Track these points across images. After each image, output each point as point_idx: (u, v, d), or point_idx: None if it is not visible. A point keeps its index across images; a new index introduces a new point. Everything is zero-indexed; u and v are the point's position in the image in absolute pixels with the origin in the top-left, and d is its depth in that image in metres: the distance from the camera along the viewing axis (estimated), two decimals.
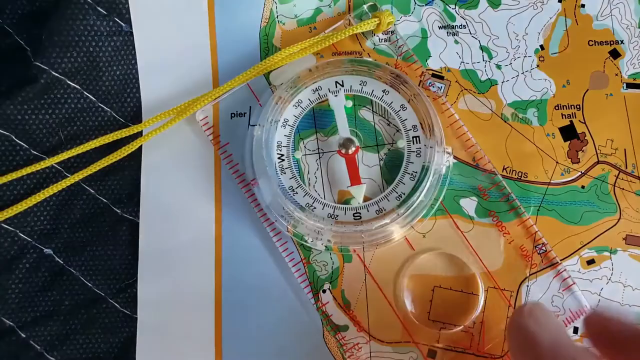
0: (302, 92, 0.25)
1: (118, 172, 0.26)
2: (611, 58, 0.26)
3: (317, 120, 0.25)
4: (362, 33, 0.25)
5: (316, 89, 0.25)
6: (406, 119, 0.24)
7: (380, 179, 0.25)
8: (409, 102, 0.24)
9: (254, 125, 0.25)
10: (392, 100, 0.25)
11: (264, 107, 0.25)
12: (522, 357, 0.19)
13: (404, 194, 0.24)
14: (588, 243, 0.25)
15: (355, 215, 0.24)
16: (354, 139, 0.24)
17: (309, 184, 0.25)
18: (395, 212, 0.23)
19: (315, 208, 0.24)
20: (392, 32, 0.26)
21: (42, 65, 0.24)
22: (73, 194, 0.25)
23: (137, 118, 0.26)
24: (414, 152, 0.24)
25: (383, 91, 0.25)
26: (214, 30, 0.26)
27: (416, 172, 0.24)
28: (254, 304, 0.25)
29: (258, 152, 0.24)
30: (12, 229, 0.25)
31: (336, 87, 0.25)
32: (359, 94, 0.25)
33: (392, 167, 0.25)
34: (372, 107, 0.25)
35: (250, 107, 0.26)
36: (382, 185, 0.25)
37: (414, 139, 0.24)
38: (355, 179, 0.24)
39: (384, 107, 0.25)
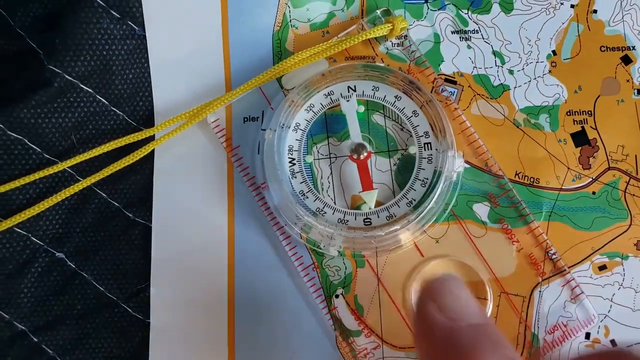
0: (314, 97, 0.25)
1: (130, 175, 0.26)
2: (623, 64, 0.26)
3: (330, 124, 0.25)
4: (375, 38, 0.25)
5: (328, 94, 0.25)
6: (418, 125, 0.24)
7: (393, 184, 0.25)
8: (421, 108, 0.24)
9: (265, 129, 0.25)
10: (405, 106, 0.25)
11: (276, 111, 0.25)
12: (419, 344, 0.16)
13: (414, 200, 0.24)
14: (599, 249, 0.25)
15: (365, 220, 0.24)
16: (366, 144, 0.24)
17: (322, 188, 0.25)
18: (406, 218, 0.23)
19: (325, 213, 0.24)
20: (405, 37, 0.26)
21: (55, 69, 0.24)
22: (85, 197, 0.25)
23: (149, 121, 0.26)
24: (425, 158, 0.24)
25: (395, 97, 0.25)
26: (227, 34, 0.26)
27: (427, 179, 0.24)
28: (266, 308, 0.25)
29: (269, 156, 0.24)
30: (24, 232, 0.25)
31: (348, 92, 0.25)
32: (372, 99, 0.25)
33: (404, 172, 0.25)
34: (385, 112, 0.25)
35: (262, 111, 0.26)
36: (394, 191, 0.25)
37: (426, 145, 0.24)
38: (367, 185, 0.24)
39: (396, 113, 0.25)
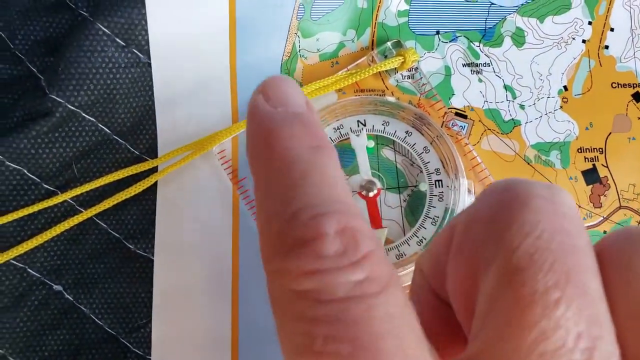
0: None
1: (132, 206, 0.25)
2: (634, 101, 0.26)
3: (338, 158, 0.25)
4: (385, 70, 0.25)
5: (338, 127, 0.24)
6: (429, 162, 0.24)
7: (402, 221, 0.24)
8: (431, 143, 0.24)
9: None
10: (415, 142, 0.24)
11: None
12: (251, 163, 0.13)
13: (425, 238, 0.23)
14: None
15: None
16: (376, 181, 0.24)
17: None
18: (416, 257, 0.23)
19: None
20: (416, 69, 0.25)
21: (57, 99, 0.23)
22: (85, 228, 0.25)
23: (152, 151, 0.25)
24: (436, 196, 0.24)
25: (406, 132, 0.24)
26: (234, 63, 0.25)
27: (438, 217, 0.24)
28: (271, 345, 0.24)
29: None
30: (22, 265, 0.24)
31: (358, 126, 0.24)
32: (382, 134, 0.24)
33: (414, 208, 0.24)
34: (395, 147, 0.25)
35: None
36: (404, 228, 0.24)
37: (437, 182, 0.24)
38: (376, 223, 0.24)
39: (407, 148, 0.24)
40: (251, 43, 0.25)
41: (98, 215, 0.25)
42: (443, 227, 0.23)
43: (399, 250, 0.23)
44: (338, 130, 0.24)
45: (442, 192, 0.24)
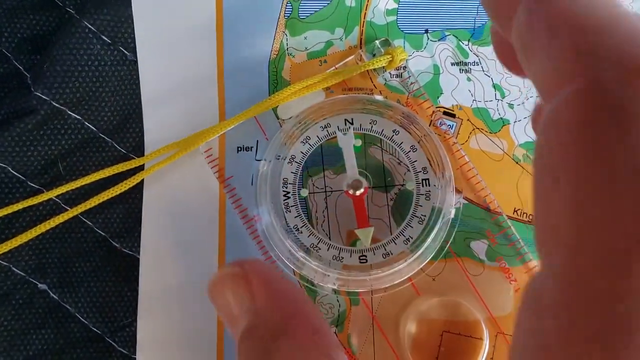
0: (310, 129, 0.24)
1: (118, 204, 0.25)
2: None
3: (326, 157, 0.25)
4: (374, 69, 0.25)
5: (325, 126, 0.24)
6: (416, 161, 0.24)
7: (389, 220, 0.24)
8: (419, 142, 0.24)
9: (260, 160, 0.24)
10: (403, 140, 0.24)
11: (271, 142, 0.24)
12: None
13: (412, 237, 0.23)
14: None
15: (361, 258, 0.23)
16: (362, 180, 0.24)
17: (317, 222, 0.24)
18: (403, 256, 0.23)
19: (320, 249, 0.23)
20: (404, 68, 0.25)
21: (42, 96, 0.23)
22: (70, 226, 0.24)
23: (139, 149, 0.25)
24: (423, 194, 0.24)
25: (393, 131, 0.24)
26: (221, 61, 0.25)
27: (425, 216, 0.23)
28: None
29: (262, 188, 0.23)
30: (6, 263, 0.24)
31: (345, 124, 0.24)
32: (369, 133, 0.24)
33: (401, 207, 0.24)
34: (382, 146, 0.25)
35: (257, 141, 0.25)
36: (390, 226, 0.24)
37: (424, 181, 0.24)
38: (362, 222, 0.23)
39: (394, 147, 0.24)
40: (238, 41, 0.25)
41: (84, 214, 0.25)
42: (431, 227, 0.23)
43: (385, 249, 0.23)
44: (325, 129, 0.24)
45: (429, 191, 0.24)
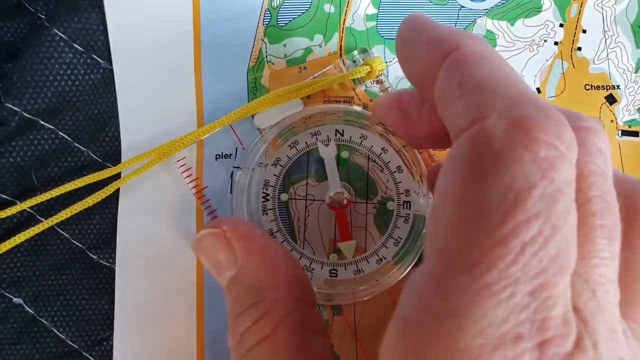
0: (300, 134, 0.24)
1: (95, 215, 0.24)
2: (607, 104, 0.25)
3: (310, 164, 0.24)
4: (352, 79, 0.24)
5: (314, 133, 0.24)
6: (400, 182, 0.23)
7: (372, 230, 0.24)
8: (398, 152, 0.23)
9: (237, 168, 0.24)
10: (390, 160, 0.24)
11: (252, 150, 0.24)
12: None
13: (385, 257, 0.23)
14: None
15: (331, 272, 0.23)
16: (345, 192, 0.23)
17: (299, 231, 0.24)
18: (374, 275, 0.22)
19: None
20: (383, 80, 0.25)
21: (13, 107, 0.23)
22: (46, 238, 0.24)
23: (116, 158, 0.24)
24: (402, 217, 0.23)
25: (382, 149, 0.23)
26: (199, 68, 0.25)
27: (401, 238, 0.23)
28: None
29: (238, 197, 0.23)
30: None
31: (336, 135, 0.24)
32: (358, 147, 0.24)
33: (386, 216, 0.24)
34: (369, 156, 0.24)
35: (236, 148, 0.24)
36: (373, 238, 0.24)
37: (405, 203, 0.23)
38: (345, 235, 0.23)
39: (380, 166, 0.24)
40: (216, 48, 0.25)
41: (60, 225, 0.24)
42: (405, 250, 0.23)
43: (357, 266, 0.23)
44: (315, 136, 0.24)
45: (409, 214, 0.23)
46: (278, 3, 0.25)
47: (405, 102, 0.21)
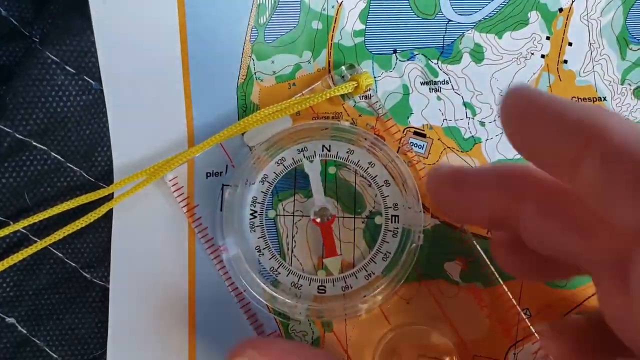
0: (286, 150, 0.24)
1: (88, 234, 0.24)
2: None
3: (298, 180, 0.25)
4: (340, 95, 0.25)
5: (301, 150, 0.24)
6: (387, 196, 0.23)
7: (360, 245, 0.24)
8: (385, 166, 0.23)
9: (227, 185, 0.24)
10: (377, 174, 0.24)
11: (241, 167, 0.24)
12: None
13: (373, 273, 0.23)
14: (575, 307, 0.24)
15: (319, 288, 0.23)
16: (329, 207, 0.23)
17: (288, 248, 0.24)
18: (360, 294, 0.22)
19: (279, 274, 0.23)
20: (371, 95, 0.25)
21: (5, 128, 0.23)
22: (39, 257, 0.24)
23: (108, 177, 0.25)
24: (390, 231, 0.23)
25: (369, 163, 0.24)
26: (188, 87, 0.25)
27: (390, 253, 0.23)
28: None
29: (228, 214, 0.23)
30: None
31: (322, 150, 0.24)
32: (345, 162, 0.24)
33: (374, 230, 0.24)
34: (355, 171, 0.24)
35: (227, 166, 0.25)
36: (362, 252, 0.24)
37: (393, 217, 0.23)
38: (330, 251, 0.23)
39: (368, 180, 0.24)
40: (205, 66, 0.25)
41: (53, 244, 0.24)
42: (396, 262, 0.23)
43: (345, 282, 0.23)
44: (302, 152, 0.24)
45: (397, 228, 0.23)
46: (265, 20, 0.25)
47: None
